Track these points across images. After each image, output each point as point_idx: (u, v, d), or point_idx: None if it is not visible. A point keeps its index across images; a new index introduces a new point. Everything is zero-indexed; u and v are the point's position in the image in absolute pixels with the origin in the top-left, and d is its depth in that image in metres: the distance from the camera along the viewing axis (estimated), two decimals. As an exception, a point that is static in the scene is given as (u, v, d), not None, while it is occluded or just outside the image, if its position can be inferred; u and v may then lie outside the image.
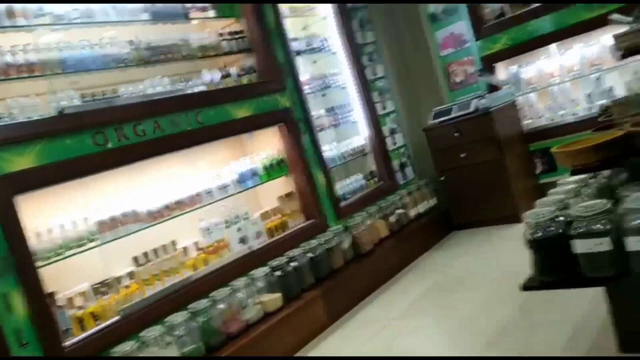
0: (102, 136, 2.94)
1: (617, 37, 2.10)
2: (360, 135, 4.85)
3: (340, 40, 4.79)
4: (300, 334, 3.33)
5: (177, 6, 3.64)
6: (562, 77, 4.59)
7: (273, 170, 3.94)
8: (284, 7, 4.31)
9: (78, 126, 2.85)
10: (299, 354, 3.26)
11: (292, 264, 3.49)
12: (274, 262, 3.47)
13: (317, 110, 4.48)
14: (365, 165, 4.87)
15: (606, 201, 1.86)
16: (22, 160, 2.61)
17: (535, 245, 1.95)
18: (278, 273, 3.41)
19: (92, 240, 2.90)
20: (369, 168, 4.87)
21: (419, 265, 4.31)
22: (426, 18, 5.28)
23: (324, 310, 3.52)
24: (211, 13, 3.89)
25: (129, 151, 3.04)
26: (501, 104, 4.63)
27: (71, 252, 2.80)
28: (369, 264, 4.00)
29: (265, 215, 3.89)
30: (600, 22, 3.97)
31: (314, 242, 3.73)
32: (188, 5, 3.71)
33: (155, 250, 3.19)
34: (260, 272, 3.36)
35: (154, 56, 3.42)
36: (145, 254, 3.15)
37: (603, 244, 1.78)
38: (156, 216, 3.18)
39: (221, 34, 3.89)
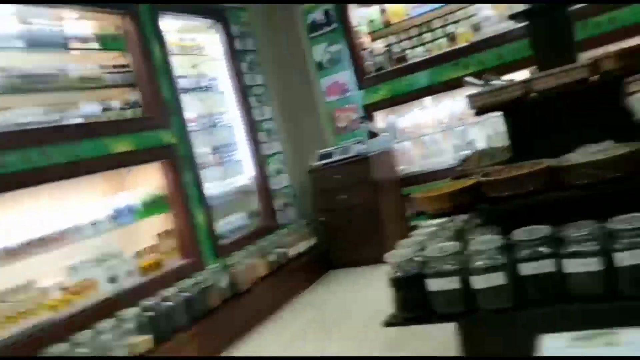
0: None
1: (470, 97, 2.36)
2: (244, 174, 4.88)
3: (229, 80, 4.86)
4: (171, 377, 3.20)
5: (56, 35, 3.48)
6: (434, 128, 5.01)
7: (152, 207, 3.82)
8: (172, 45, 4.30)
9: None
10: (169, 399, 3.13)
11: (164, 304, 3.37)
12: (146, 302, 3.33)
13: (202, 148, 4.46)
14: (248, 204, 4.89)
15: (457, 243, 2.05)
16: None
17: (395, 284, 2.08)
18: (149, 313, 3.27)
19: None
20: (251, 207, 4.89)
21: (296, 304, 4.36)
22: (313, 66, 5.53)
23: (198, 351, 3.42)
24: (94, 45, 3.76)
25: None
26: (379, 150, 4.93)
27: None
28: (246, 303, 3.97)
29: (140, 254, 3.74)
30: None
31: (189, 281, 3.64)
32: (69, 34, 3.57)
33: (10, 290, 2.92)
34: (130, 312, 3.20)
35: (27, 84, 3.23)
36: (-1, 294, 2.88)
37: (452, 283, 1.94)
38: (15, 253, 2.94)
39: (104, 66, 3.78)
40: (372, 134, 5.24)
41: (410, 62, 5.10)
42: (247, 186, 4.84)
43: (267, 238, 4.62)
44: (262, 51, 5.34)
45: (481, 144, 4.56)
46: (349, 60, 5.33)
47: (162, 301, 3.38)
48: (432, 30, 5.06)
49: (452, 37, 4.92)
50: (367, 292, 4.21)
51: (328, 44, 5.41)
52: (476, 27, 4.78)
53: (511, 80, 2.36)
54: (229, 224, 4.49)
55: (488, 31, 4.64)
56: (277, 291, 4.33)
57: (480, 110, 2.31)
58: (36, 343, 2.78)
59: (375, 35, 5.39)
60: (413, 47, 5.13)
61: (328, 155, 5.00)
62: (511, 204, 1.97)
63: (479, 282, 1.93)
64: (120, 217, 3.58)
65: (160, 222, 3.95)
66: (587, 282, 1.77)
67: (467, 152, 4.27)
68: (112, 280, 3.38)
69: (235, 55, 4.91)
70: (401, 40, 5.19)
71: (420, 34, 5.11)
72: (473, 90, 2.38)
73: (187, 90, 4.40)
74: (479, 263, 1.92)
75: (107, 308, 3.18)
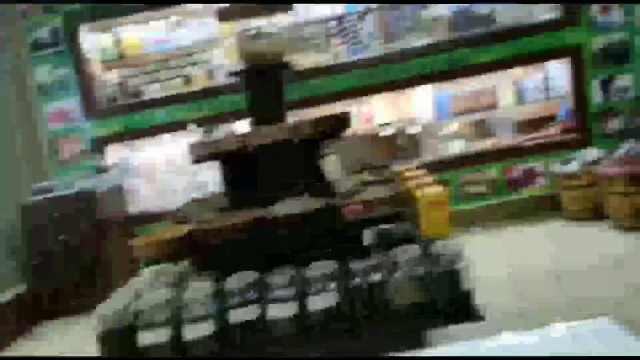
0: None
1: (191, 147, 2.39)
2: None
3: None
4: None
5: None
6: (168, 167, 4.95)
7: None
8: None
9: None
10: None
11: None
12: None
13: None
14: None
15: (169, 292, 2.02)
16: None
17: (102, 340, 1.95)
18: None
19: None
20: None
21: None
22: (34, 88, 4.97)
23: None
24: None
25: None
26: (107, 187, 4.63)
27: None
28: None
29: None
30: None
31: None
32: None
33: None
34: None
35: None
36: None
37: (161, 336, 1.90)
38: None
39: None
40: (102, 169, 4.91)
41: (146, 97, 4.98)
42: None
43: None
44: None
45: (214, 188, 4.66)
46: (78, 88, 4.95)
47: None
48: (168, 69, 5.04)
49: (188, 80, 4.98)
50: (84, 348, 3.82)
51: (53, 66, 4.95)
52: (211, 74, 4.94)
53: (231, 132, 2.50)
54: None
55: (222, 79, 4.82)
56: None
57: (199, 160, 2.36)
58: None
59: (108, 65, 5.13)
60: (150, 83, 5.03)
61: (47, 190, 4.49)
62: (223, 252, 2.05)
63: (190, 332, 1.93)
64: None
65: None
66: (286, 324, 1.93)
67: (196, 194, 4.34)
68: None
69: None
70: (137, 75, 5.05)
71: (156, 71, 5.05)
72: (194, 139, 2.44)
73: None
74: (191, 314, 1.93)
75: None
